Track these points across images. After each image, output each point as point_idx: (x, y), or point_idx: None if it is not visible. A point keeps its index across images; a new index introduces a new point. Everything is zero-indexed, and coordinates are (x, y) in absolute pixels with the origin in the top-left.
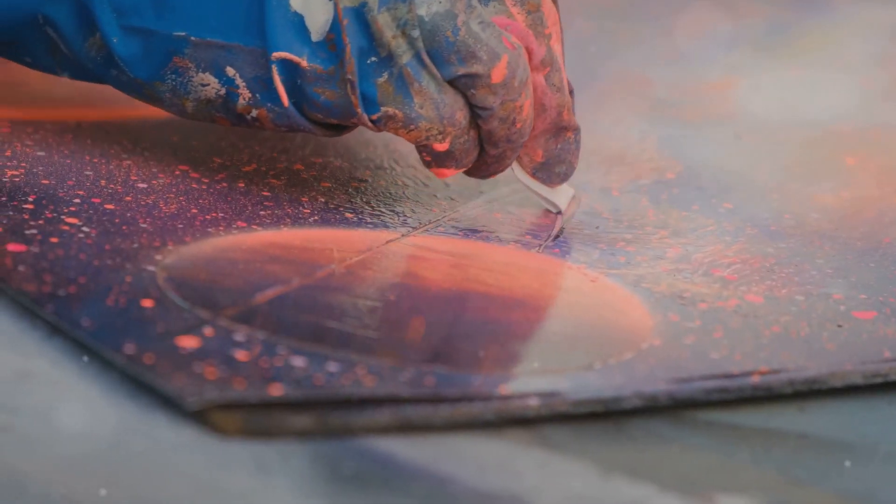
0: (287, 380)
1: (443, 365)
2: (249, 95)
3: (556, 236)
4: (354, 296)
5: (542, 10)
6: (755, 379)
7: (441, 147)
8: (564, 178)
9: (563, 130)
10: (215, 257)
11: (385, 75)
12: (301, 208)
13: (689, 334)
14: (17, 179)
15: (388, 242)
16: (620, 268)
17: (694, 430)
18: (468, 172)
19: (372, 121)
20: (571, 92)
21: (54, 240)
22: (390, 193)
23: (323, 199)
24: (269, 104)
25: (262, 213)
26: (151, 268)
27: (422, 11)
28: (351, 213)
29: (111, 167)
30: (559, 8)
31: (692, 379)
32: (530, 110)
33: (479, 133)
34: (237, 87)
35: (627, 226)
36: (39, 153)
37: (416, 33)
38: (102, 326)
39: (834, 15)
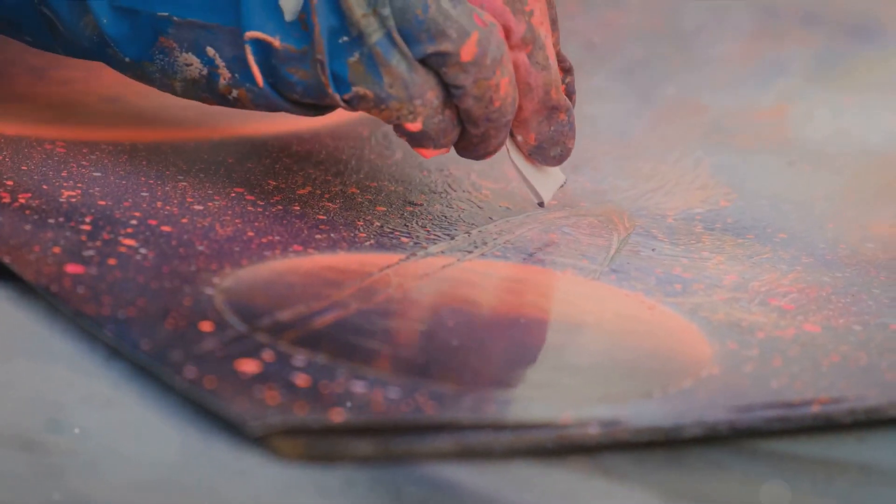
0: (348, 405)
1: (502, 391)
2: (229, 76)
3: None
4: (412, 321)
5: None
6: (815, 408)
7: (413, 127)
8: (560, 160)
9: (555, 111)
10: (273, 280)
11: (356, 55)
12: (357, 232)
13: (748, 363)
14: (74, 200)
15: (444, 267)
16: (677, 296)
17: (755, 459)
18: (459, 152)
19: (344, 100)
20: (570, 69)
21: (112, 261)
22: (445, 217)
23: (378, 224)
24: (247, 84)
25: (317, 236)
26: (209, 291)
27: None
28: (406, 237)
29: (167, 189)
30: None
31: (752, 408)
32: (510, 89)
33: (457, 113)
34: (217, 67)
35: (683, 249)
36: (95, 174)
37: (386, 11)
38: (162, 349)
39: (886, 43)
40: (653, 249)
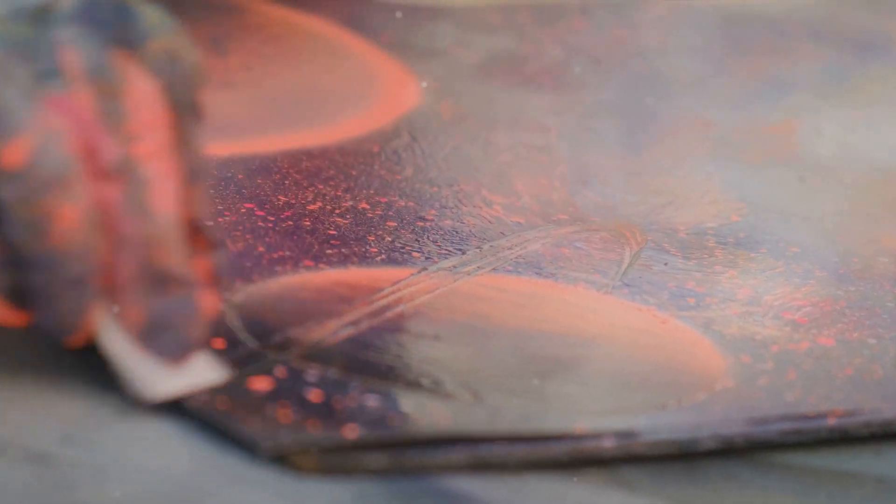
0: (361, 420)
1: (516, 404)
2: None
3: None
4: (424, 335)
5: (125, 104)
6: (831, 421)
7: None
8: (179, 353)
9: (164, 282)
10: (284, 296)
11: None
12: (368, 247)
13: (763, 376)
14: None
15: (455, 282)
16: (690, 310)
17: (770, 472)
18: (28, 319)
19: None
20: (217, 244)
21: None
22: (456, 232)
23: (389, 239)
24: None
25: (329, 251)
26: (221, 307)
27: None
28: (417, 252)
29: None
30: (193, 120)
31: (768, 421)
32: (79, 226)
33: (8, 250)
34: None
35: (696, 263)
36: None
37: None
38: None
39: (894, 59)
40: (665, 263)
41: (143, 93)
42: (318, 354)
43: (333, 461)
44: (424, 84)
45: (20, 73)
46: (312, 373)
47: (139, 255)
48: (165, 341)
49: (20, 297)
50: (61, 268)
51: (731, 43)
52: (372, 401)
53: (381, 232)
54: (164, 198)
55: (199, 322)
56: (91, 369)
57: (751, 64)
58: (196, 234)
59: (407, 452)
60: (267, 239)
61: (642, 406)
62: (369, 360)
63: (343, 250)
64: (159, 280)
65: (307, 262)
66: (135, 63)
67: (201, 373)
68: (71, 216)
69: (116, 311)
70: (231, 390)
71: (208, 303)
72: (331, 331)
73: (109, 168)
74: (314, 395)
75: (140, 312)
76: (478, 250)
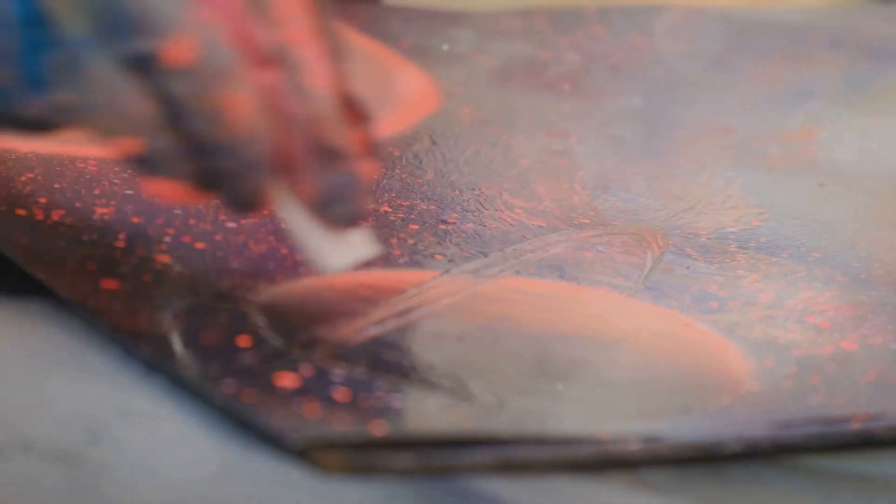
0: (388, 419)
1: (539, 407)
2: None
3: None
4: (447, 337)
5: None
6: (855, 425)
7: (125, 146)
8: (350, 221)
9: (333, 157)
10: (308, 297)
11: (54, 52)
12: (390, 250)
13: (786, 380)
14: (107, 217)
15: (478, 284)
16: (713, 313)
17: (795, 475)
18: (223, 201)
19: (37, 109)
20: (366, 117)
21: (147, 278)
22: (479, 235)
23: (412, 241)
24: None
25: None
26: (245, 307)
27: None
28: (440, 255)
29: (199, 206)
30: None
31: (792, 424)
32: (252, 112)
33: (189, 140)
34: None
35: (718, 268)
36: (128, 191)
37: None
38: (200, 364)
39: None
40: (687, 267)
41: None
42: (344, 354)
43: (360, 461)
44: (446, 47)
45: None
46: (338, 372)
47: (306, 134)
48: (337, 211)
49: (207, 181)
50: (240, 152)
51: (749, 50)
52: (397, 401)
53: (403, 235)
54: (319, 78)
55: (364, 191)
56: (118, 369)
57: (769, 71)
58: (349, 108)
59: (433, 453)
60: (290, 240)
61: (666, 409)
62: (393, 361)
63: None
64: (326, 155)
65: None
66: None
67: (364, 245)
68: (242, 104)
69: (292, 186)
70: (258, 386)
71: (368, 172)
72: (356, 331)
73: (266, 55)
74: (340, 394)
75: (313, 186)
76: (500, 253)
